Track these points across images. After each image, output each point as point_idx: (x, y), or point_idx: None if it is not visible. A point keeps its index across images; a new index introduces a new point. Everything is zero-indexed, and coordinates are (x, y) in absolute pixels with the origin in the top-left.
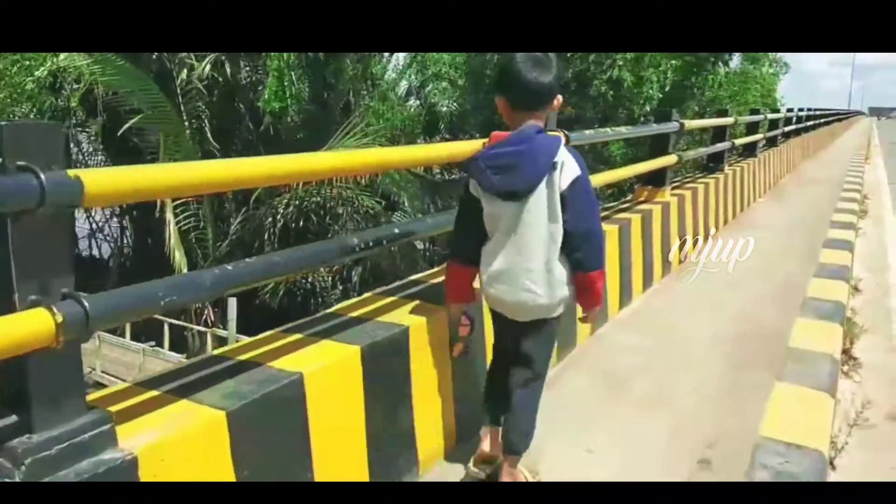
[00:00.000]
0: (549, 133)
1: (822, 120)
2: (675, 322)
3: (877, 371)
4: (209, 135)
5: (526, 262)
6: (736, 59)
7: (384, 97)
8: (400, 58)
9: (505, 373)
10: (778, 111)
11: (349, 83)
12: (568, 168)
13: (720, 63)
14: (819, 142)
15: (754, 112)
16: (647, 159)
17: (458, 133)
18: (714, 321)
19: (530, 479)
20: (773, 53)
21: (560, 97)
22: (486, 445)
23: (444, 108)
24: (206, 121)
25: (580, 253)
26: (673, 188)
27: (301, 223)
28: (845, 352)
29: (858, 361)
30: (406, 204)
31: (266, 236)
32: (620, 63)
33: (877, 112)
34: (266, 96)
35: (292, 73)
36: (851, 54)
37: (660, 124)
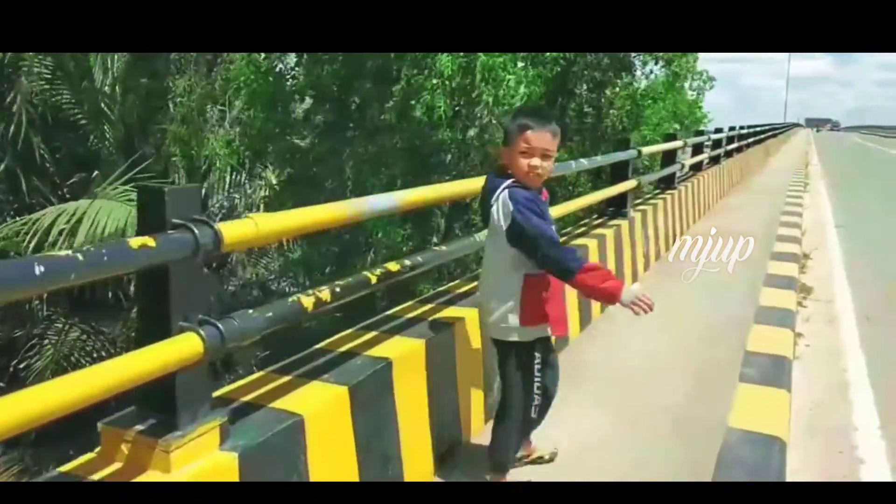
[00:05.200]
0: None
1: (754, 139)
2: None
3: None
4: None
5: (486, 281)
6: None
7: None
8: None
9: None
10: (673, 136)
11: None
12: (502, 208)
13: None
14: (749, 165)
15: (621, 143)
16: None
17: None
18: None
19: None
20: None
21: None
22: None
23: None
24: None
25: (549, 271)
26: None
27: None
28: None
29: None
30: None
31: None
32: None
33: (814, 123)
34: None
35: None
36: (786, 68)
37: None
